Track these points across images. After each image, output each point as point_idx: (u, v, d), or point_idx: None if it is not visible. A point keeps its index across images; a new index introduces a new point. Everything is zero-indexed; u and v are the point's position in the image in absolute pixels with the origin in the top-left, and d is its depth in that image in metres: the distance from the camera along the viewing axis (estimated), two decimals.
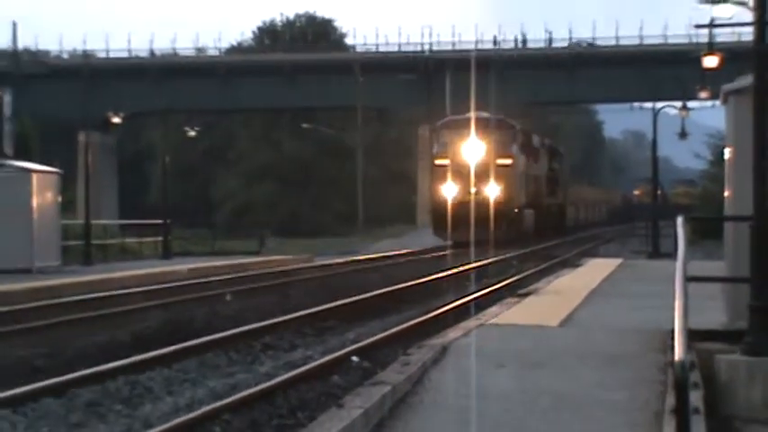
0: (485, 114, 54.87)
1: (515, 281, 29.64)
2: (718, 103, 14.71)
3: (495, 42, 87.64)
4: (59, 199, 35.38)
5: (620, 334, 14.94)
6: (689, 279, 9.11)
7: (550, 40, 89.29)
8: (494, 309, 18.78)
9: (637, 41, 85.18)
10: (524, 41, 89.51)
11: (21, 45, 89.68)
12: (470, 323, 16.35)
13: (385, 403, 10.23)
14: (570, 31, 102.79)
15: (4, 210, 32.63)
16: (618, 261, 35.84)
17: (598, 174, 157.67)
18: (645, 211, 73.82)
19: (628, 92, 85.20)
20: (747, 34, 45.71)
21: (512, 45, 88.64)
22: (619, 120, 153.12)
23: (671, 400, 9.75)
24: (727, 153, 13.92)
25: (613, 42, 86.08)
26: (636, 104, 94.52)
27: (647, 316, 16.80)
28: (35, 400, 12.40)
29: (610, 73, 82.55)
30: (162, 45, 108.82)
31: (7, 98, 43.18)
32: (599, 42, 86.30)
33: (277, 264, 41.93)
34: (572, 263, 36.07)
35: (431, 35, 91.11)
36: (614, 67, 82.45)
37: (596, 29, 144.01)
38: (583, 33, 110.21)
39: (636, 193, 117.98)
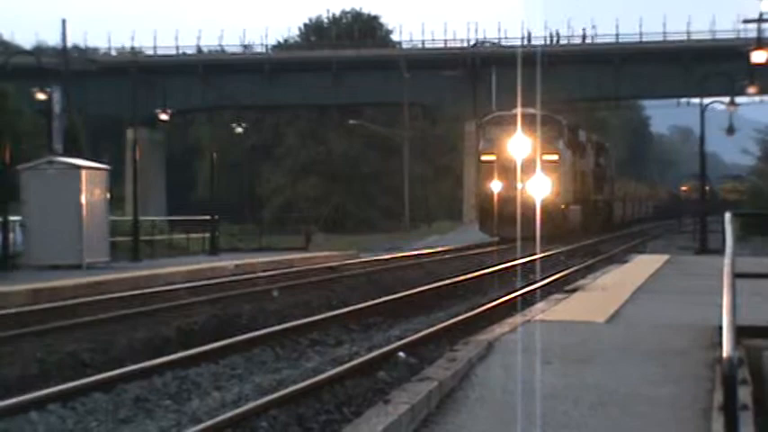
0: (531, 110, 54.72)
1: (562, 277, 29.56)
2: (766, 98, 14.60)
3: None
4: (108, 195, 35.62)
5: (668, 330, 14.87)
6: (737, 275, 9.04)
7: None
8: (540, 305, 18.73)
9: (684, 37, 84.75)
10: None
11: (70, 43, 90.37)
12: (517, 319, 16.31)
13: (431, 399, 10.24)
14: (617, 27, 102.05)
15: (54, 206, 32.90)
16: (665, 257, 35.65)
17: (645, 170, 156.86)
18: (692, 206, 73.47)
19: (675, 88, 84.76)
20: None
21: (555, 41, 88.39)
22: (666, 115, 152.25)
23: (719, 397, 9.70)
24: None
25: (660, 38, 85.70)
26: (683, 100, 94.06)
27: (694, 312, 16.71)
28: (84, 395, 12.50)
29: (657, 69, 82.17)
30: (209, 42, 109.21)
31: (57, 95, 43.46)
32: (646, 38, 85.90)
33: (323, 260, 42.01)
34: (619, 259, 35.91)
35: (476, 31, 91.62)
36: (661, 63, 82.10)
37: (643, 24, 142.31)
38: (630, 29, 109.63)
39: (683, 189, 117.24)
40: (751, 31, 52.60)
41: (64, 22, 79.06)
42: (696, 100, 69.24)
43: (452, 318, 20.12)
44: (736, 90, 49.20)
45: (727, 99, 48.83)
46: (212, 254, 45.22)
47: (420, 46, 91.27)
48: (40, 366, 15.02)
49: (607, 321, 16.15)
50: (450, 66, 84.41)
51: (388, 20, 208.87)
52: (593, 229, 61.93)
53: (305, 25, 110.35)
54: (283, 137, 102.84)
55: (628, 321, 16.12)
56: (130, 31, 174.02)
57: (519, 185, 51.59)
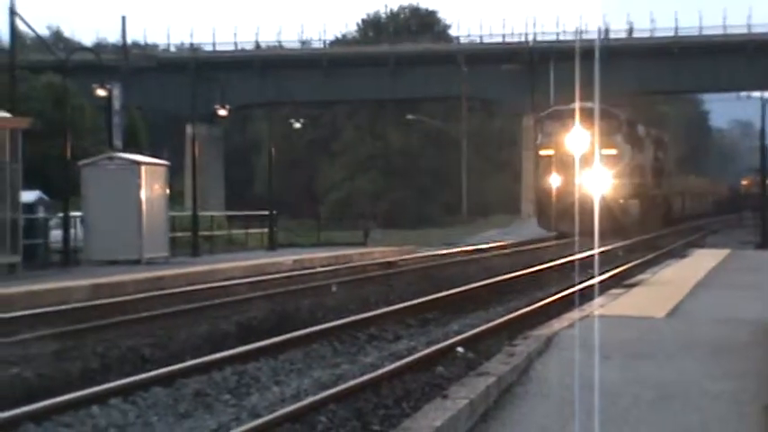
0: (589, 104, 54.40)
1: (621, 272, 29.39)
2: None
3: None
4: (167, 190, 35.88)
5: (728, 325, 14.76)
6: None
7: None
8: (599, 300, 18.66)
9: (745, 30, 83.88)
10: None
11: (129, 39, 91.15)
12: (575, 314, 16.26)
13: (490, 394, 10.24)
14: (676, 20, 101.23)
15: (114, 202, 33.20)
16: (725, 252, 35.38)
17: (704, 164, 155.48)
18: (753, 201, 72.77)
19: (735, 81, 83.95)
20: None
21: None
22: (725, 109, 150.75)
23: None
24: None
25: (721, 31, 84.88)
26: (743, 94, 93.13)
27: (755, 307, 16.58)
28: (144, 390, 12.60)
29: (717, 62, 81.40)
30: (267, 38, 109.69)
31: (116, 92, 43.81)
32: (706, 32, 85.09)
33: (381, 255, 42.04)
34: (678, 254, 35.67)
35: (534, 25, 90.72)
36: (721, 56, 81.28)
37: (703, 17, 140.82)
38: (689, 22, 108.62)
39: (743, 183, 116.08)
40: None
41: (124, 19, 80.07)
42: (757, 93, 68.63)
43: (511, 313, 20.06)
44: None
45: None
46: (271, 249, 45.39)
47: (478, 41, 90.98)
48: (100, 361, 15.16)
49: (667, 316, 16.06)
50: (508, 60, 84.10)
51: (445, 15, 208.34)
52: (651, 224, 61.48)
53: (363, 21, 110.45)
54: (341, 132, 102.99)
55: (688, 316, 16.02)
56: (189, 27, 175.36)
57: (577, 180, 51.33)
